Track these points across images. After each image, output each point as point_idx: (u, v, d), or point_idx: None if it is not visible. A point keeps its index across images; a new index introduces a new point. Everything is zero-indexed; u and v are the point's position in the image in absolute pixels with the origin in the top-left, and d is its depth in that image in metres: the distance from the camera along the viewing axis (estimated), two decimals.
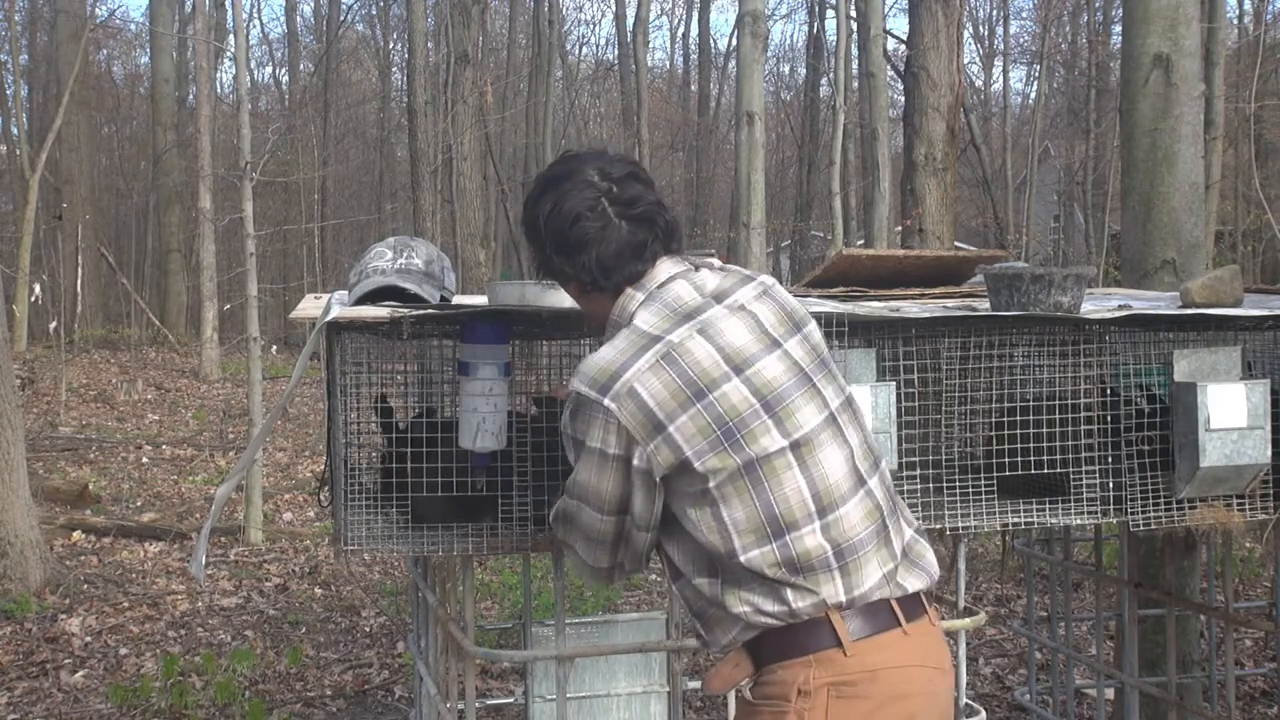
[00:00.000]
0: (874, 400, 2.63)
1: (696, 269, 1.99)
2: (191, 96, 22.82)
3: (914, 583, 1.92)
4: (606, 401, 1.85)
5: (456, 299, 2.87)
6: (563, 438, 1.98)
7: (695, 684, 3.95)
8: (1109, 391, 2.90)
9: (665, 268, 1.97)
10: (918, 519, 2.72)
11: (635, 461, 1.86)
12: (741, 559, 1.85)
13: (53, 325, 15.12)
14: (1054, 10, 22.42)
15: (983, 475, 2.82)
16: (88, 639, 5.72)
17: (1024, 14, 33.30)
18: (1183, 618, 4.02)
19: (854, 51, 15.62)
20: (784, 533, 1.85)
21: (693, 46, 30.85)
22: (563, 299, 2.67)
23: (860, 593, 1.86)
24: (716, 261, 2.06)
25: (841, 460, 1.89)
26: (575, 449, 1.93)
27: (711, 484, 1.85)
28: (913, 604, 1.91)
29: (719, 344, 1.87)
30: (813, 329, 2.00)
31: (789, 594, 1.85)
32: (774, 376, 1.88)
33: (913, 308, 2.77)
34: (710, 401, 1.84)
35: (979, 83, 26.73)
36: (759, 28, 9.78)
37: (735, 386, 1.85)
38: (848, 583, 1.85)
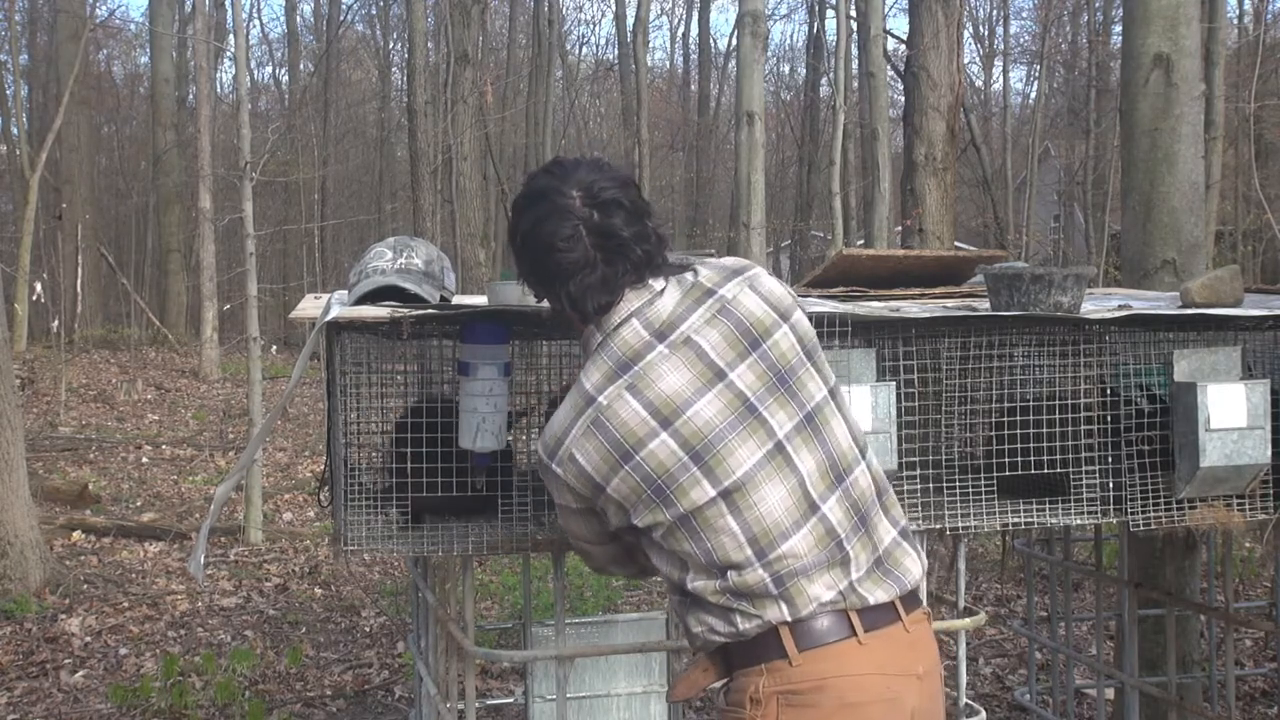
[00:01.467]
0: (874, 400, 2.63)
1: (661, 292, 1.94)
2: (191, 96, 22.81)
3: (879, 594, 1.90)
4: (554, 466, 1.94)
5: (456, 299, 2.86)
6: None
7: None
8: (1109, 391, 2.90)
9: (626, 303, 1.94)
10: (917, 519, 2.73)
11: (596, 507, 1.97)
12: (689, 586, 1.91)
13: (53, 325, 15.13)
14: (1054, 10, 22.42)
15: (983, 475, 2.82)
16: (88, 639, 5.72)
17: (1024, 14, 33.28)
18: (1183, 618, 4.02)
19: (854, 51, 15.62)
20: (725, 571, 1.88)
21: (693, 46, 30.87)
22: None
23: (808, 611, 1.87)
24: (712, 258, 2.03)
25: (784, 494, 1.88)
26: (552, 500, 2.05)
27: (655, 534, 1.92)
28: (877, 614, 1.89)
29: (647, 399, 1.87)
30: (786, 330, 1.93)
31: (736, 617, 1.89)
32: (705, 422, 1.86)
33: (913, 308, 2.77)
34: (637, 462, 1.87)
35: (979, 83, 26.73)
36: (759, 28, 9.77)
37: (662, 442, 1.86)
38: (791, 606, 1.87)
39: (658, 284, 1.95)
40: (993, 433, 2.91)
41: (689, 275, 1.97)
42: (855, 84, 17.61)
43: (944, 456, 2.82)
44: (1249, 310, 2.92)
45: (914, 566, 1.96)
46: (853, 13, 12.95)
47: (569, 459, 1.91)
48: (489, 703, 4.31)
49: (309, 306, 3.23)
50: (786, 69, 33.22)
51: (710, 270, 1.98)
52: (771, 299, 1.95)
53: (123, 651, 5.57)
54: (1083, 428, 2.78)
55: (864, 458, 1.97)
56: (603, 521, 1.99)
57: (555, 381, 3.53)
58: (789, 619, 1.86)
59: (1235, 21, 18.15)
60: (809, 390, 1.92)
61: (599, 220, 1.90)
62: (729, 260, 2.03)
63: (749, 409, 1.88)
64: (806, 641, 1.86)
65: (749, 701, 1.88)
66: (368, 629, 5.99)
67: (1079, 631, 4.91)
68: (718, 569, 1.88)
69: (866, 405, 2.61)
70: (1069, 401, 2.78)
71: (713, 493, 1.86)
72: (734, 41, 23.38)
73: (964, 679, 2.94)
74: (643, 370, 1.89)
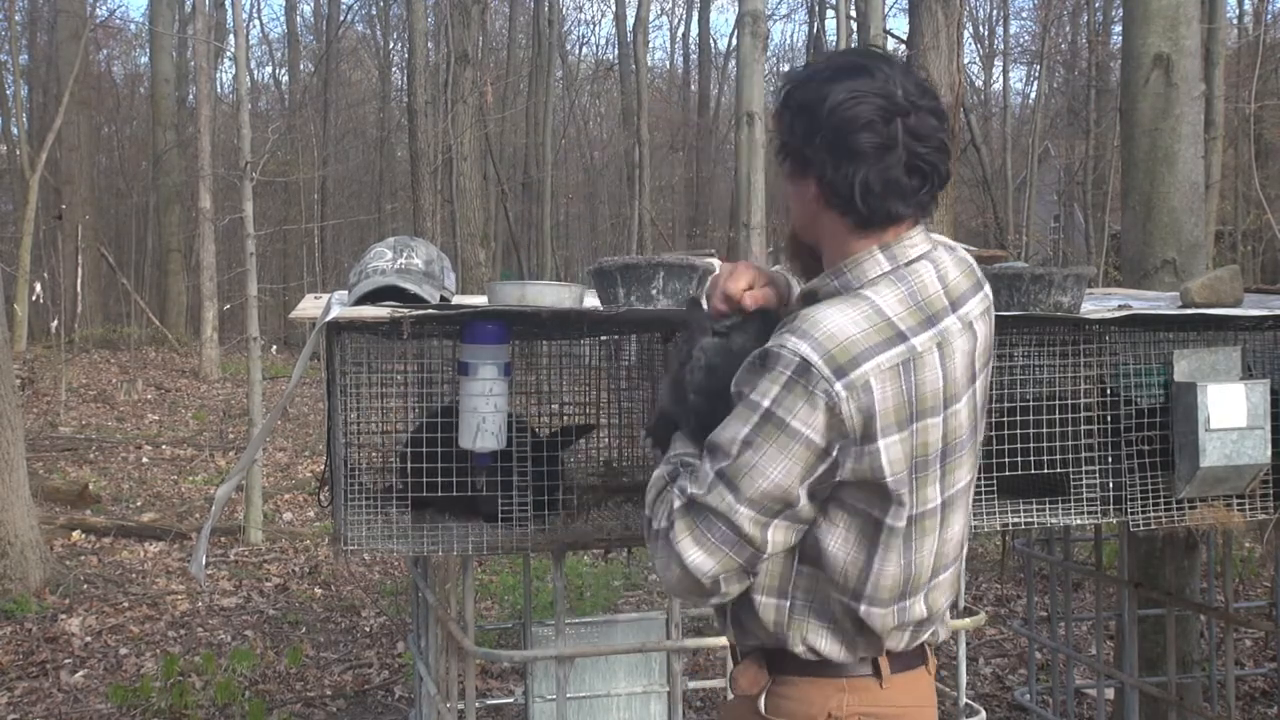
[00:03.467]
0: None
1: (934, 246, 1.72)
2: (191, 96, 22.82)
3: (942, 631, 1.82)
4: (838, 385, 1.57)
5: (456, 299, 2.86)
6: (737, 399, 1.64)
7: (695, 684, 3.96)
8: (1109, 391, 2.90)
9: (919, 236, 1.69)
10: None
11: (827, 462, 1.61)
12: (861, 609, 1.67)
13: (53, 325, 15.12)
14: (1054, 10, 22.42)
15: (982, 475, 2.82)
16: (88, 639, 5.72)
17: (1024, 14, 33.28)
18: (1183, 618, 4.02)
19: None
20: (906, 597, 1.69)
21: (693, 46, 30.88)
22: (562, 299, 2.67)
23: (918, 644, 1.77)
24: (948, 240, 1.85)
25: (961, 526, 1.74)
26: (758, 420, 1.60)
27: (887, 519, 1.64)
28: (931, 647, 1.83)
29: (946, 369, 1.64)
30: (986, 376, 1.77)
31: (860, 646, 1.70)
32: (960, 423, 1.68)
33: None
34: (914, 431, 1.62)
35: (979, 83, 26.72)
36: (759, 28, 9.77)
37: (938, 424, 1.64)
38: (911, 638, 1.74)
39: (930, 237, 1.73)
40: (993, 433, 2.91)
41: (949, 248, 1.77)
42: None
43: None
44: (1249, 310, 2.93)
45: None
46: (853, 13, 12.95)
47: (863, 386, 1.57)
48: (489, 703, 4.31)
49: (309, 306, 3.23)
50: (786, 69, 33.20)
51: (968, 256, 1.79)
52: (990, 334, 1.78)
53: (123, 651, 5.57)
54: (1083, 428, 2.78)
55: None
56: (800, 480, 1.61)
57: (555, 381, 3.54)
58: (900, 649, 1.73)
59: (1235, 21, 18.16)
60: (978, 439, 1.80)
61: (916, 122, 1.64)
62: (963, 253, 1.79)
63: (973, 429, 1.73)
64: (898, 665, 1.73)
65: (826, 718, 1.70)
66: (368, 629, 5.99)
67: (1079, 631, 4.91)
68: (903, 594, 1.68)
69: None
70: (1069, 401, 2.78)
71: (938, 500, 1.67)
72: (734, 41, 23.39)
73: (964, 679, 2.94)
74: (946, 335, 1.65)
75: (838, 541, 1.65)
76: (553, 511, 2.76)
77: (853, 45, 14.32)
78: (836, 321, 1.60)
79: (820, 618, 1.69)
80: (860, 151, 1.63)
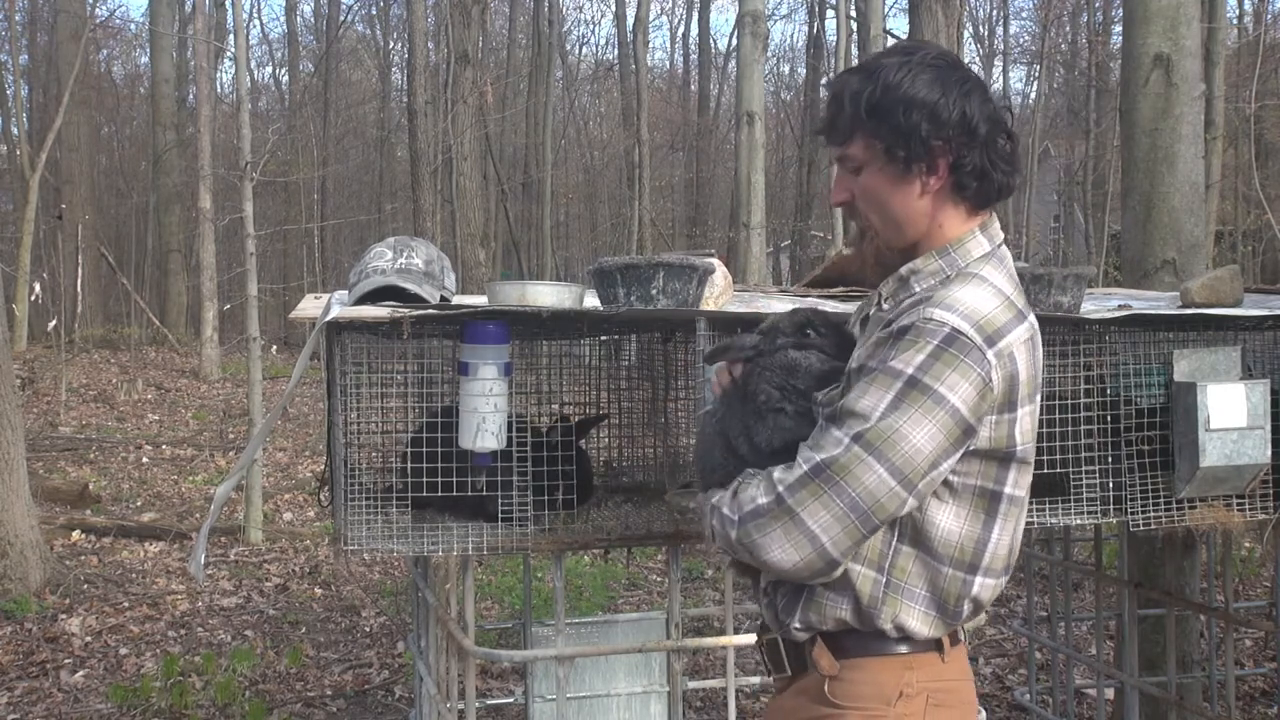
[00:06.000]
0: None
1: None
2: (191, 96, 22.83)
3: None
4: (990, 353, 1.61)
5: (456, 299, 2.87)
6: (860, 374, 1.64)
7: (695, 684, 3.95)
8: (1109, 391, 2.90)
9: (996, 221, 1.79)
10: None
11: (966, 431, 1.62)
12: (976, 582, 1.70)
13: (52, 325, 15.12)
14: (1054, 10, 22.42)
15: None
16: (88, 639, 5.72)
17: (1024, 14, 33.31)
18: (1183, 618, 4.02)
19: (854, 51, 15.59)
20: (1008, 570, 1.74)
21: (693, 46, 30.88)
22: (562, 299, 2.67)
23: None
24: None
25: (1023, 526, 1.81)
26: (902, 386, 1.59)
27: (1005, 489, 1.69)
28: None
29: (1039, 355, 1.72)
30: None
31: (945, 623, 1.72)
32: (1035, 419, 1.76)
33: None
34: (1036, 404, 1.71)
35: None
36: (759, 28, 9.78)
37: (1033, 411, 1.71)
38: (973, 613, 1.77)
39: None
40: None
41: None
42: None
43: None
44: (1249, 310, 2.93)
45: None
46: (853, 13, 12.96)
47: (1009, 356, 1.63)
48: (489, 703, 4.31)
49: (309, 306, 3.23)
50: (786, 69, 33.28)
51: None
52: None
53: (123, 651, 5.57)
54: (1083, 428, 2.78)
55: None
56: (946, 452, 1.62)
57: (555, 382, 3.54)
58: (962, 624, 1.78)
59: (1235, 21, 18.15)
60: None
61: (995, 105, 1.76)
62: None
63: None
64: (954, 640, 1.77)
65: (898, 696, 1.70)
66: (368, 629, 5.99)
67: (1079, 631, 4.91)
68: (1004, 569, 1.73)
69: None
70: (1069, 401, 2.78)
71: (1026, 490, 1.74)
72: (734, 41, 23.38)
73: None
74: (1035, 322, 1.72)
75: (949, 516, 1.68)
76: (582, 503, 2.79)
77: (853, 45, 14.31)
78: (973, 296, 1.65)
79: (910, 596, 1.70)
80: (982, 134, 1.70)
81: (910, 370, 1.59)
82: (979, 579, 1.70)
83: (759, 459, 1.72)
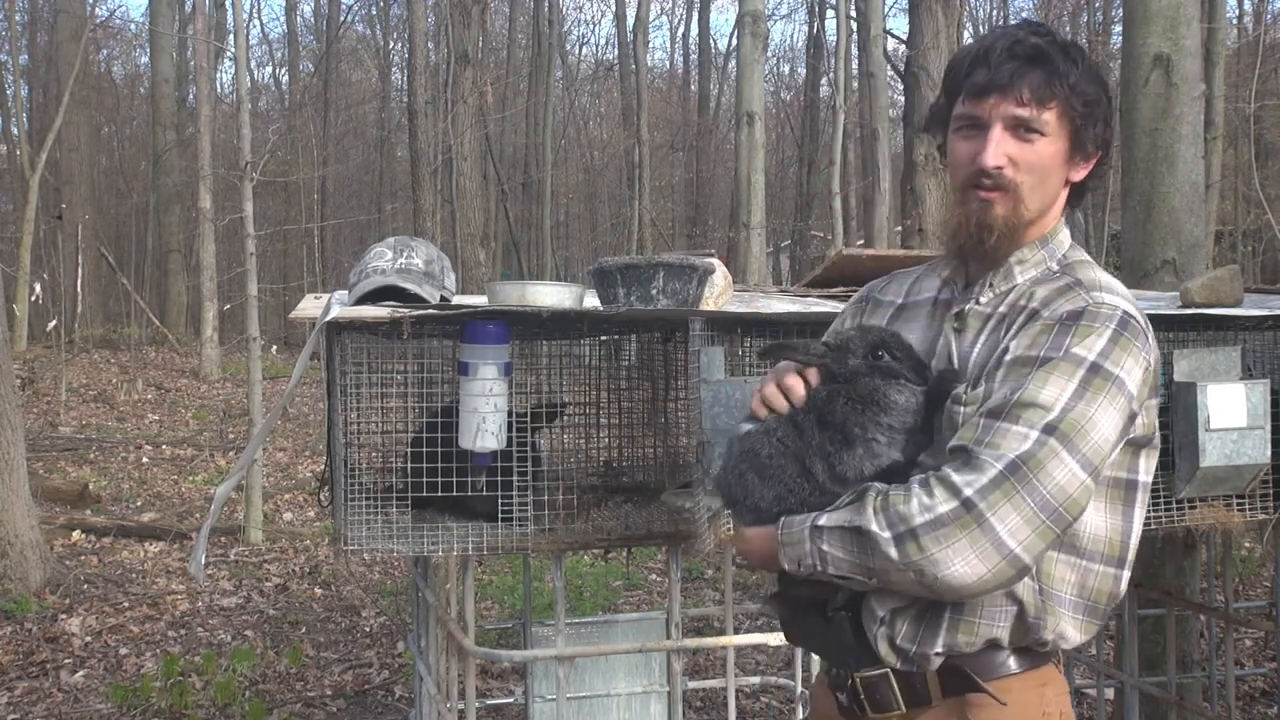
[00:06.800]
0: None
1: None
2: (191, 96, 22.84)
3: None
4: (1151, 339, 1.59)
5: (456, 299, 2.86)
6: (1031, 363, 1.55)
7: (695, 684, 3.96)
8: None
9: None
10: None
11: (1134, 421, 1.59)
12: (1123, 577, 1.63)
13: (52, 325, 15.12)
14: (1054, 10, 22.42)
15: None
16: (88, 639, 5.72)
17: (1024, 14, 33.30)
18: (1183, 618, 4.02)
19: (854, 51, 15.62)
20: (1132, 565, 1.67)
21: (693, 46, 30.89)
22: (562, 299, 2.67)
23: None
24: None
25: None
26: (1085, 373, 1.52)
27: (1139, 476, 1.64)
28: None
29: None
30: None
31: (1093, 627, 1.64)
32: None
33: None
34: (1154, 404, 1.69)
35: None
36: (759, 28, 9.79)
37: None
38: None
39: None
40: None
41: None
42: (855, 84, 17.62)
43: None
44: (1249, 310, 2.92)
45: None
46: (853, 13, 12.96)
47: (1155, 342, 1.62)
48: (489, 703, 4.31)
49: (309, 306, 3.23)
50: (786, 69, 33.28)
51: None
52: None
53: (123, 651, 5.57)
54: None
55: None
56: (1120, 437, 1.57)
57: (555, 381, 3.54)
58: None
59: (1235, 21, 18.16)
60: None
61: None
62: None
63: None
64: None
65: (1041, 717, 1.63)
66: (368, 629, 5.99)
67: None
68: (1131, 562, 1.66)
69: None
70: None
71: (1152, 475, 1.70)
72: (734, 41, 23.39)
73: None
74: None
75: (1094, 511, 1.61)
76: (532, 507, 2.73)
77: (853, 45, 14.32)
78: (1115, 283, 1.64)
79: (1060, 602, 1.61)
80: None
81: (1092, 356, 1.52)
82: (1125, 573, 1.63)
83: (838, 486, 1.62)
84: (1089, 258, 1.69)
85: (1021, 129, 1.62)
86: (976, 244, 1.67)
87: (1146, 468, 1.65)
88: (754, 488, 1.67)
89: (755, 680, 4.46)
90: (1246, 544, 6.37)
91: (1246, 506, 2.88)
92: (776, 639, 2.87)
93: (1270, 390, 2.81)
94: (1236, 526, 2.91)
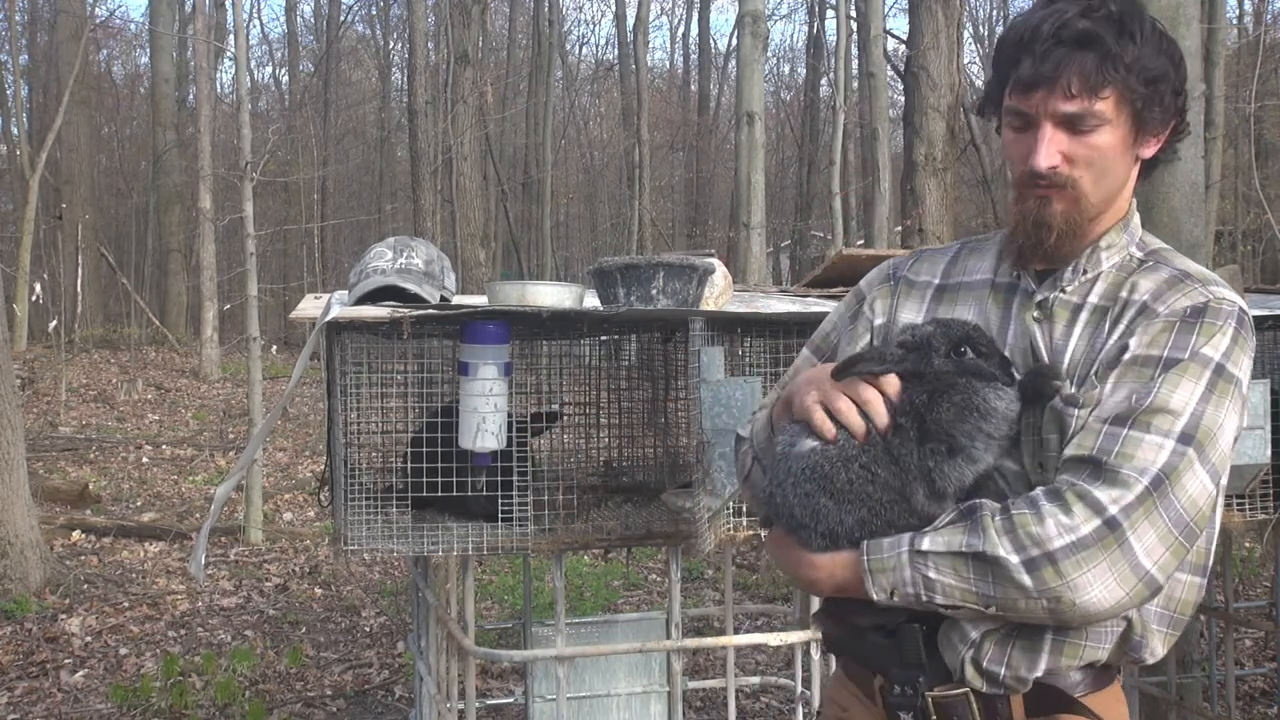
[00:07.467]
0: None
1: None
2: (191, 96, 22.85)
3: None
4: (1254, 337, 1.51)
5: (456, 299, 2.87)
6: (1154, 363, 1.44)
7: (695, 684, 3.96)
8: None
9: None
10: None
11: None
12: (1202, 587, 1.52)
13: (53, 325, 15.13)
14: None
15: None
16: (88, 639, 5.72)
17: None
18: None
19: (854, 51, 15.63)
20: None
21: (693, 46, 30.89)
22: (562, 299, 2.67)
23: None
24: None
25: None
26: (1212, 375, 1.44)
27: (1221, 480, 1.49)
28: None
29: None
30: None
31: (1175, 638, 1.55)
32: None
33: None
34: None
35: (979, 82, 26.73)
36: (759, 28, 9.78)
37: None
38: None
39: None
40: None
41: None
42: (855, 84, 17.62)
43: None
44: (1249, 310, 2.92)
45: None
46: (853, 13, 12.96)
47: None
48: (489, 703, 4.31)
49: (309, 306, 3.23)
50: (786, 69, 33.29)
51: None
52: None
53: (123, 651, 5.57)
54: None
55: None
56: (1235, 443, 1.50)
57: (555, 382, 3.54)
58: None
59: (1235, 21, 18.16)
60: None
61: None
62: None
63: None
64: None
65: None
66: (368, 629, 5.99)
67: None
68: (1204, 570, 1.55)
69: None
70: None
71: None
72: (734, 41, 23.40)
73: None
74: None
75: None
76: (519, 510, 2.73)
77: (853, 45, 14.32)
78: (1210, 271, 1.54)
79: (1149, 616, 1.50)
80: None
81: (1217, 357, 1.44)
82: (1204, 581, 1.53)
83: (934, 504, 1.47)
84: (1192, 263, 1.58)
85: (1086, 123, 1.47)
86: (1035, 244, 1.54)
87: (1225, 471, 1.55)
88: (828, 512, 1.50)
89: (755, 680, 4.46)
90: (1246, 544, 6.37)
91: (1246, 506, 2.88)
92: (776, 639, 2.87)
93: (1270, 390, 2.81)
94: (1236, 526, 2.91)
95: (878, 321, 1.68)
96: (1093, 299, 1.53)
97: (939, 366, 1.49)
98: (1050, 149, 1.48)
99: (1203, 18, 5.03)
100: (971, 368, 1.49)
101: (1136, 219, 1.60)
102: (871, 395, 1.48)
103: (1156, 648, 1.50)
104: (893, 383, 1.49)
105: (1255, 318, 2.88)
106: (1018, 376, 1.51)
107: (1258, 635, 5.45)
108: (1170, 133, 1.55)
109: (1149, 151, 1.55)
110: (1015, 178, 1.55)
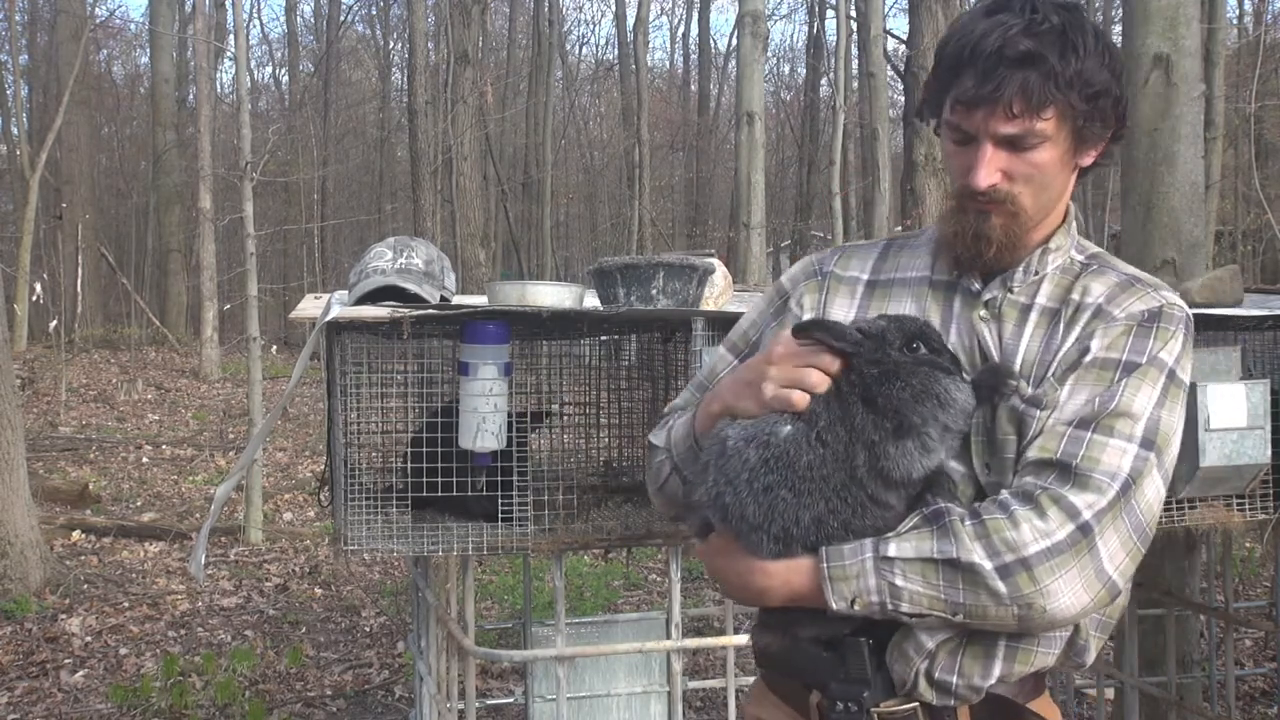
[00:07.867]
0: None
1: None
2: (191, 96, 22.85)
3: None
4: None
5: (456, 299, 2.87)
6: (1115, 367, 1.44)
7: (695, 684, 3.95)
8: None
9: None
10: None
11: None
12: (1129, 588, 1.53)
13: (53, 325, 15.13)
14: None
15: None
16: (88, 639, 5.72)
17: None
18: (1183, 618, 4.02)
19: (854, 51, 15.64)
20: None
21: (693, 46, 30.90)
22: (562, 299, 2.67)
23: None
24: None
25: None
26: (1165, 380, 1.45)
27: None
28: None
29: None
30: None
31: (1101, 644, 1.52)
32: None
33: None
34: None
35: None
36: (759, 28, 9.78)
37: None
38: None
39: None
40: None
41: None
42: (855, 84, 17.63)
43: None
44: (1249, 310, 2.93)
45: None
46: (853, 13, 12.96)
47: None
48: (489, 703, 4.31)
49: (309, 306, 3.24)
50: (786, 69, 33.29)
51: None
52: None
53: (123, 651, 5.57)
54: None
55: None
56: None
57: (555, 381, 3.54)
58: None
59: (1235, 21, 18.16)
60: None
61: None
62: None
63: None
64: None
65: None
66: (368, 629, 5.99)
67: None
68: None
69: None
70: None
71: None
72: (734, 41, 23.40)
73: None
74: None
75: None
76: (520, 510, 2.72)
77: (853, 45, 14.33)
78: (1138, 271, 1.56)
79: (1089, 622, 1.47)
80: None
81: (1171, 362, 1.45)
82: (1130, 587, 1.52)
83: (882, 490, 1.40)
84: (1123, 262, 1.60)
85: (1027, 141, 1.46)
86: (974, 256, 1.53)
87: None
88: (785, 508, 1.40)
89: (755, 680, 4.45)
90: (1246, 544, 6.37)
91: (1246, 506, 2.88)
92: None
93: (1270, 390, 2.82)
94: (1236, 526, 2.91)
95: (806, 317, 1.62)
96: (1041, 300, 1.53)
97: (894, 359, 1.44)
98: (990, 168, 1.47)
99: (1203, 18, 5.03)
100: (927, 361, 1.44)
101: (1073, 222, 1.59)
102: (829, 361, 1.42)
103: (1093, 652, 1.48)
104: (835, 362, 1.43)
105: (1255, 318, 2.89)
106: (968, 376, 1.47)
107: (1258, 635, 5.45)
108: (1110, 138, 1.54)
109: (1088, 161, 1.54)
110: (955, 189, 1.54)
